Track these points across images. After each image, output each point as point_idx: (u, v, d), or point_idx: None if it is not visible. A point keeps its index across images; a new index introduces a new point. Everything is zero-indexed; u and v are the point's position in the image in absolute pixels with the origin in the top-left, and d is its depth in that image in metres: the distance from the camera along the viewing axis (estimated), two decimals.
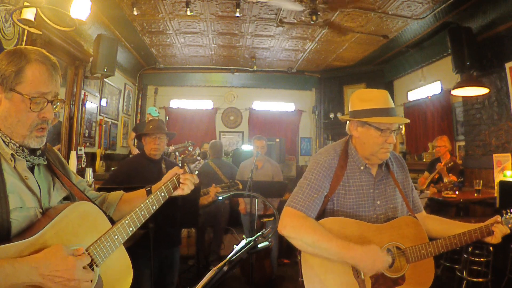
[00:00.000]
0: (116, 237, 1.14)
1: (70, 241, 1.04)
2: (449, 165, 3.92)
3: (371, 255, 1.33)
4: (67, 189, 1.21)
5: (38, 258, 0.92)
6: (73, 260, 0.97)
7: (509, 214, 1.43)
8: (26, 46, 1.10)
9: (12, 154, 1.03)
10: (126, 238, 1.17)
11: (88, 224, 1.11)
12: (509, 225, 1.42)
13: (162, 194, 1.28)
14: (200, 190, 2.58)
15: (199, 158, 1.42)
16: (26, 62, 1.03)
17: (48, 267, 0.92)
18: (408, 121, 1.64)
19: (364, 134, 1.48)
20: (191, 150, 1.44)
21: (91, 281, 1.04)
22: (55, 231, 1.01)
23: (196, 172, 1.43)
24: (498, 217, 1.43)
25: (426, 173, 4.38)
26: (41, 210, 1.07)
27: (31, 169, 1.11)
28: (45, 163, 1.15)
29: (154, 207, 1.25)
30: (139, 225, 1.20)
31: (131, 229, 1.18)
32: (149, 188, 1.40)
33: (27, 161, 1.08)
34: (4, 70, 1.03)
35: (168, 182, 1.31)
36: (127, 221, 1.17)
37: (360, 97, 1.51)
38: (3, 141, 1.03)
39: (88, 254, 1.06)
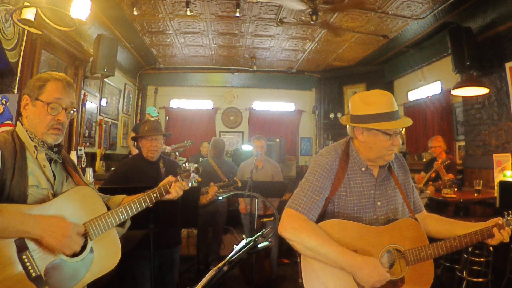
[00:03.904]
0: (110, 219, 1.37)
1: (71, 215, 1.29)
2: (446, 163, 3.94)
3: (369, 266, 1.33)
4: (75, 184, 1.45)
5: (42, 217, 1.21)
6: (70, 224, 1.25)
7: (511, 215, 1.42)
8: (52, 72, 1.46)
9: (35, 146, 1.34)
10: (119, 222, 1.41)
11: (87, 205, 1.36)
12: (511, 227, 1.41)
13: (155, 195, 1.52)
14: (200, 190, 2.57)
15: (193, 173, 1.61)
16: (48, 80, 1.39)
17: (49, 224, 1.19)
18: (411, 122, 1.60)
19: (372, 139, 1.46)
20: (186, 165, 1.59)
21: (83, 250, 1.29)
22: (59, 205, 1.28)
23: (190, 185, 1.62)
24: (500, 219, 1.41)
25: (422, 173, 4.38)
26: (52, 192, 1.34)
27: (49, 162, 1.39)
28: (60, 161, 1.45)
29: (145, 204, 1.49)
30: (131, 214, 1.45)
31: (123, 216, 1.42)
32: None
33: (46, 153, 1.37)
34: (32, 86, 1.39)
35: (161, 186, 1.55)
36: (120, 209, 1.42)
37: (364, 100, 1.47)
38: (30, 137, 1.35)
39: (84, 227, 1.31)
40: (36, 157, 1.34)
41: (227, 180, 3.27)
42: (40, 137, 1.36)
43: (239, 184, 3.34)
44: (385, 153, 1.46)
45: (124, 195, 1.60)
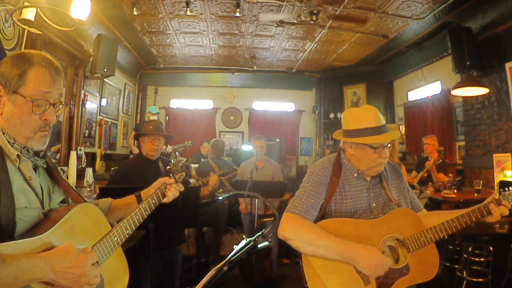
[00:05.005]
0: (115, 238, 1.19)
1: (75, 240, 1.07)
2: (438, 162, 3.97)
3: (366, 251, 1.36)
4: (63, 194, 1.23)
5: (52, 254, 0.95)
6: (84, 258, 1.01)
7: (507, 191, 1.43)
8: (30, 50, 1.12)
9: (17, 155, 1.04)
10: (124, 240, 1.23)
11: (90, 225, 1.15)
12: (510, 200, 1.41)
13: (153, 201, 1.38)
14: (200, 190, 2.58)
15: (182, 168, 1.54)
16: (30, 65, 1.05)
17: (61, 264, 0.95)
18: (398, 135, 1.69)
19: (359, 152, 1.57)
20: (174, 162, 1.54)
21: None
22: (62, 231, 1.04)
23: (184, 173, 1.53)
24: (496, 194, 1.44)
25: (414, 172, 4.40)
26: (43, 211, 1.09)
27: (34, 170, 1.12)
28: (45, 166, 1.18)
29: (146, 213, 1.35)
30: (134, 229, 1.29)
31: (128, 231, 1.25)
32: (138, 194, 1.45)
33: (31, 161, 1.10)
34: (7, 73, 1.04)
35: (158, 191, 1.41)
36: (124, 224, 1.24)
37: (352, 116, 1.59)
38: (8, 142, 1.04)
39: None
40: (19, 167, 1.05)
41: (227, 181, 3.30)
42: (24, 142, 1.06)
43: (239, 172, 3.42)
44: (374, 165, 1.55)
45: (110, 199, 1.44)
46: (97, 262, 1.11)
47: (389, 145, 1.55)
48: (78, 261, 0.99)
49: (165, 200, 1.43)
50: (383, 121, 1.56)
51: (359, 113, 1.59)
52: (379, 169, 1.57)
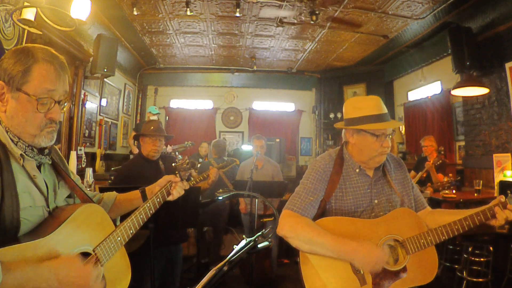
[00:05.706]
0: (119, 238, 1.18)
1: (79, 241, 1.08)
2: (437, 163, 3.97)
3: (363, 248, 1.35)
4: (69, 189, 1.22)
5: (57, 263, 0.94)
6: (89, 269, 1.00)
7: None
8: (34, 45, 1.08)
9: (21, 154, 1.02)
10: (127, 239, 1.22)
11: (94, 225, 1.15)
12: None
13: (158, 199, 1.37)
14: (200, 190, 2.58)
15: (188, 166, 1.51)
16: (34, 61, 1.01)
17: (66, 273, 0.94)
18: (401, 124, 1.65)
19: (361, 140, 1.53)
20: (180, 158, 1.51)
21: None
22: (67, 232, 1.03)
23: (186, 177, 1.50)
24: (502, 197, 1.38)
25: (412, 172, 4.40)
26: (48, 209, 1.08)
27: (38, 168, 1.11)
28: (50, 162, 1.16)
29: (151, 211, 1.33)
30: (138, 228, 1.27)
31: (131, 231, 1.24)
32: (143, 190, 1.44)
33: (35, 160, 1.07)
34: (11, 70, 1.00)
35: (163, 189, 1.40)
36: (128, 224, 1.23)
37: (354, 105, 1.56)
38: (12, 140, 1.01)
39: (95, 254, 1.10)
40: (23, 165, 1.03)
41: (229, 183, 3.31)
42: (30, 140, 1.04)
43: (238, 162, 3.49)
44: (376, 154, 1.51)
45: (115, 193, 1.46)
46: (100, 264, 1.11)
47: (391, 136, 1.51)
48: (83, 271, 0.98)
49: (170, 198, 1.42)
50: (385, 110, 1.53)
51: (361, 101, 1.56)
52: (381, 159, 1.53)
